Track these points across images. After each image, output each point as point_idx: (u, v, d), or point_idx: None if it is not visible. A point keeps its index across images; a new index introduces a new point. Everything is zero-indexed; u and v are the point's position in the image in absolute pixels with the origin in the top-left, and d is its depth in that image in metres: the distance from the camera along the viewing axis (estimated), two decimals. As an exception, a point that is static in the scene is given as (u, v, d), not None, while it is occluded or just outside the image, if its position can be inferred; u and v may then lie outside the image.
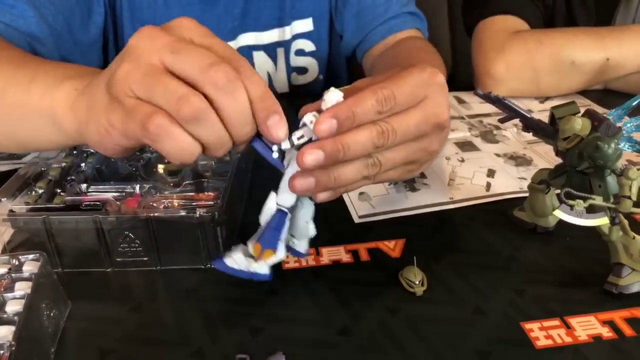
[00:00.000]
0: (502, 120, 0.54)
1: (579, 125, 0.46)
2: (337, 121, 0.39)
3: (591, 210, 0.46)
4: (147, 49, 0.38)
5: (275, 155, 0.40)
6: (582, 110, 0.48)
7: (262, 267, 0.43)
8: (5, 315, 0.38)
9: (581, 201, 0.45)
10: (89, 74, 0.46)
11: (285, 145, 0.40)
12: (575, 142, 0.46)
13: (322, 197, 0.43)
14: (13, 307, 0.39)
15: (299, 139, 0.40)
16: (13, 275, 0.41)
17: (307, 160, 0.39)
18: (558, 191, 0.52)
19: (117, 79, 0.38)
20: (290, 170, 0.41)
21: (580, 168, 0.46)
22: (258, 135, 0.40)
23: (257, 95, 0.38)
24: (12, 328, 0.37)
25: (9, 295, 0.40)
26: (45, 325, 0.41)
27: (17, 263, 0.43)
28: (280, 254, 0.43)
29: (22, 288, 0.40)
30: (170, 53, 0.37)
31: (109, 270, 0.51)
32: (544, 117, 0.51)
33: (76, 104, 0.44)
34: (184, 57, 0.37)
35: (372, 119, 0.40)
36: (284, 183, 0.42)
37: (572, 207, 0.45)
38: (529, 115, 0.51)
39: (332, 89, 0.40)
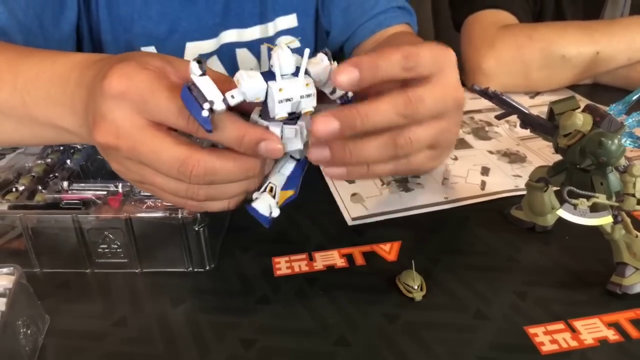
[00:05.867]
0: (499, 117, 0.52)
1: (580, 121, 0.44)
2: (359, 72, 0.37)
3: (594, 208, 0.44)
4: (112, 158, 0.41)
5: (206, 114, 0.36)
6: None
7: (276, 211, 0.43)
8: (-23, 336, 0.35)
9: (584, 200, 0.43)
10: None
11: (219, 106, 0.36)
12: (577, 138, 0.45)
13: (334, 172, 0.42)
14: (-14, 326, 0.36)
15: (232, 97, 0.37)
16: (-15, 291, 0.39)
17: (319, 130, 0.38)
18: (556, 189, 0.51)
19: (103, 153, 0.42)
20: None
21: (583, 165, 0.44)
22: (188, 87, 0.36)
23: (234, 141, 0.39)
24: (-15, 350, 0.34)
25: (-19, 313, 0.37)
26: (23, 344, 0.38)
27: (-11, 278, 0.40)
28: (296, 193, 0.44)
29: (-4, 305, 0.37)
30: (139, 164, 0.40)
31: (87, 271, 0.49)
32: (535, 112, 0.50)
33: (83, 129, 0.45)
34: (154, 166, 0.39)
35: (397, 75, 0.39)
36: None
37: (575, 206, 0.43)
38: (527, 111, 0.50)
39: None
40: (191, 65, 0.36)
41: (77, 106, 0.44)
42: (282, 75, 0.38)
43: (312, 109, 0.39)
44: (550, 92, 0.87)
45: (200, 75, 0.36)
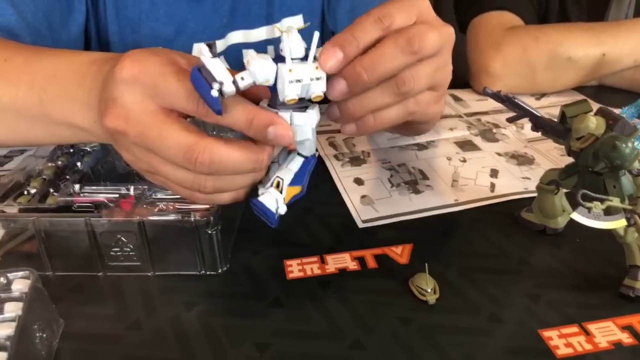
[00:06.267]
0: (510, 120, 0.52)
1: (594, 124, 0.45)
2: (341, 50, 0.38)
3: (607, 212, 0.44)
4: (122, 145, 0.41)
5: (215, 93, 0.35)
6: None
7: (283, 207, 0.42)
8: (-5, 340, 0.35)
9: (598, 203, 0.43)
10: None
11: (229, 87, 0.36)
12: (590, 141, 0.45)
13: (347, 130, 0.43)
14: (4, 330, 0.36)
15: (242, 79, 0.36)
16: (2, 295, 0.39)
17: (331, 90, 0.39)
18: (566, 190, 0.51)
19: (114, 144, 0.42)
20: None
21: (597, 169, 0.44)
22: (198, 69, 0.36)
23: (243, 124, 0.39)
24: (4, 354, 0.34)
25: (-1, 317, 0.37)
26: (39, 349, 0.38)
27: (5, 281, 0.40)
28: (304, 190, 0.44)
29: (13, 309, 0.37)
30: (147, 152, 0.40)
31: (100, 274, 0.49)
32: (541, 114, 0.50)
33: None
34: (161, 153, 0.39)
35: (375, 37, 0.39)
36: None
37: (589, 209, 0.43)
38: (539, 114, 0.50)
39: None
40: (202, 48, 0.36)
41: (92, 101, 0.44)
42: (292, 59, 0.38)
43: (322, 94, 0.39)
44: (556, 94, 0.87)
45: (211, 57, 0.36)
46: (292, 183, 0.43)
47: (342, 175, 0.64)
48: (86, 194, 0.51)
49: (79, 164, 0.56)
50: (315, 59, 0.38)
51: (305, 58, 0.38)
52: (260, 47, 0.86)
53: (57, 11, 0.70)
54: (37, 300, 0.40)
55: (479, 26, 0.88)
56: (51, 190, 0.51)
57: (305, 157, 0.43)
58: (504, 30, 0.85)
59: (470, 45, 0.88)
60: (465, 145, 0.71)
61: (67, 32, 0.73)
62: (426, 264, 0.47)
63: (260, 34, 0.85)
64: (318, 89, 0.39)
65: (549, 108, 0.82)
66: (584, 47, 0.82)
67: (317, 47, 0.38)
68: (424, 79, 0.42)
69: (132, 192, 0.50)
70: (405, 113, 0.44)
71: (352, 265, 0.50)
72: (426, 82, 0.42)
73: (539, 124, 0.50)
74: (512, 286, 0.48)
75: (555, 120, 0.50)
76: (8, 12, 0.64)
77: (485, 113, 0.81)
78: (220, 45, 0.82)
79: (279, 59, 0.38)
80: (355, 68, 0.39)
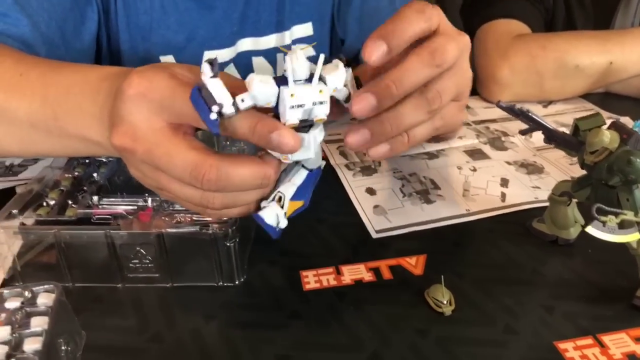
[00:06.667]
0: (523, 132, 0.53)
1: (608, 138, 0.45)
2: (386, 42, 0.39)
3: (621, 225, 0.45)
4: (130, 162, 0.42)
5: (214, 116, 0.35)
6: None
7: (284, 222, 0.43)
8: (24, 355, 0.35)
9: (613, 217, 0.44)
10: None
11: (228, 110, 0.36)
12: (604, 155, 0.46)
13: (379, 152, 0.43)
14: (31, 345, 0.36)
15: (242, 100, 0.36)
16: (27, 309, 0.39)
17: (359, 110, 0.39)
18: (576, 201, 0.52)
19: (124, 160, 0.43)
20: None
21: (611, 183, 0.45)
22: (198, 89, 0.36)
23: (247, 130, 0.38)
24: (33, 370, 0.35)
25: (26, 332, 0.37)
26: (64, 362, 0.39)
27: (30, 295, 0.40)
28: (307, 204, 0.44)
29: (39, 324, 0.38)
30: (155, 169, 0.40)
31: (119, 285, 0.50)
32: (549, 121, 0.51)
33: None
34: (168, 171, 0.39)
35: (422, 31, 0.41)
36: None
37: (604, 223, 0.44)
38: (552, 127, 0.50)
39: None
40: (203, 66, 0.36)
41: (104, 117, 0.44)
42: (295, 81, 0.37)
43: (325, 117, 0.39)
44: (563, 101, 0.87)
45: (212, 77, 0.36)
46: (295, 197, 0.43)
47: (354, 185, 0.65)
48: (104, 205, 0.51)
49: (95, 174, 0.57)
50: (320, 80, 0.38)
51: (309, 79, 0.38)
52: (270, 54, 0.86)
53: (70, 21, 0.70)
54: (62, 313, 0.40)
55: (486, 34, 0.89)
56: (70, 202, 0.52)
57: (310, 170, 0.43)
58: (511, 38, 0.86)
59: (477, 52, 0.89)
60: (475, 153, 0.72)
61: (80, 41, 0.73)
62: (442, 277, 0.47)
63: (269, 41, 0.85)
64: (321, 113, 0.38)
65: (556, 115, 0.83)
66: (591, 56, 0.82)
67: (325, 63, 0.38)
68: (449, 94, 0.43)
69: (149, 203, 0.51)
70: (432, 129, 0.45)
71: (368, 276, 0.51)
72: (451, 96, 0.44)
73: (552, 137, 0.51)
74: (526, 297, 0.48)
75: (568, 132, 0.50)
76: (22, 22, 0.64)
77: (494, 121, 0.81)
78: (230, 52, 0.83)
79: (282, 79, 0.37)
80: (385, 81, 0.40)
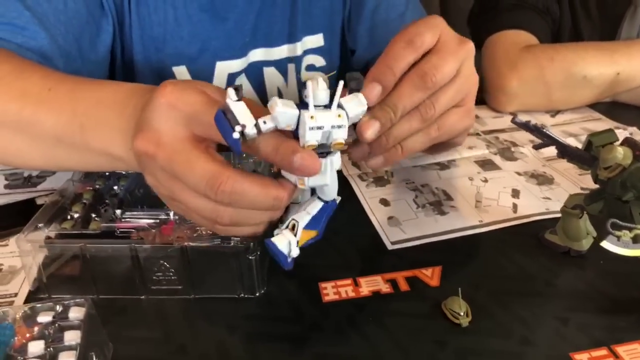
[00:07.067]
0: (537, 147, 0.54)
1: (621, 154, 0.46)
2: (380, 84, 0.43)
3: (635, 239, 0.46)
4: (148, 168, 0.43)
5: (237, 136, 0.37)
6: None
7: (296, 250, 0.44)
8: (60, 370, 0.37)
9: (627, 231, 0.45)
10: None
11: (251, 130, 0.38)
12: (618, 171, 0.47)
13: (375, 163, 0.48)
14: (66, 359, 0.37)
15: (265, 122, 0.38)
16: (60, 323, 0.40)
17: (368, 134, 0.44)
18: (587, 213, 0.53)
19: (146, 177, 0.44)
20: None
21: (625, 198, 0.46)
22: (223, 111, 0.38)
23: (270, 150, 0.40)
24: (70, 384, 0.36)
25: (60, 346, 0.38)
26: (95, 375, 0.40)
27: (61, 309, 0.41)
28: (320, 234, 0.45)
29: (72, 338, 0.39)
30: (171, 177, 0.41)
31: (143, 297, 0.51)
32: (556, 131, 0.52)
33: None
34: (186, 178, 0.40)
35: (413, 60, 0.45)
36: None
37: (619, 237, 0.45)
38: (566, 143, 0.51)
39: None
40: (228, 91, 0.38)
41: (130, 129, 0.45)
42: (315, 106, 0.39)
43: (343, 141, 0.40)
44: (571, 111, 0.89)
45: (236, 100, 0.38)
46: (309, 226, 0.44)
47: (368, 196, 0.66)
48: (127, 219, 0.52)
49: (115, 187, 0.58)
50: (338, 106, 0.40)
51: (329, 105, 0.40)
52: (281, 64, 0.87)
53: (86, 33, 0.72)
54: (92, 327, 0.41)
55: (495, 45, 0.90)
56: (93, 215, 0.53)
57: (325, 202, 0.45)
58: (519, 49, 0.87)
59: (486, 63, 0.90)
60: (486, 164, 0.73)
61: (95, 53, 0.74)
62: (460, 289, 0.48)
63: (281, 52, 0.87)
64: (339, 136, 0.40)
65: (564, 125, 0.84)
66: (598, 67, 0.84)
67: (343, 84, 0.40)
68: (444, 104, 0.46)
69: (172, 216, 0.52)
70: (428, 139, 0.48)
71: (385, 288, 0.52)
72: (447, 105, 0.47)
73: (565, 152, 0.52)
74: (541, 309, 0.49)
75: (577, 142, 0.52)
76: (41, 35, 0.65)
77: (502, 131, 0.83)
78: (242, 63, 0.84)
79: (303, 104, 0.39)
80: (384, 108, 0.44)
